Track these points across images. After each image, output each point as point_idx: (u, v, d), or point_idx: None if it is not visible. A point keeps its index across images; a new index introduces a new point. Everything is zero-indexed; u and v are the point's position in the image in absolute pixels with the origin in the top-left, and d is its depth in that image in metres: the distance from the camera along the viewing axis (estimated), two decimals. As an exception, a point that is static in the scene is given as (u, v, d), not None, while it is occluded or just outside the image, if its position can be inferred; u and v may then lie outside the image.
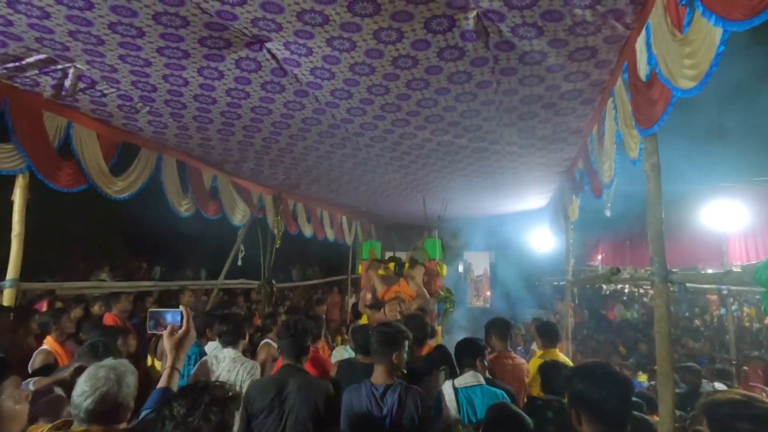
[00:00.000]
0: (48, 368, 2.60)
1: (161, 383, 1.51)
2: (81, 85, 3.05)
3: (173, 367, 1.52)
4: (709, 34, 1.46)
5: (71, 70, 2.85)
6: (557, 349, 3.59)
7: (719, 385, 4.27)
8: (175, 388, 1.51)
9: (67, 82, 2.96)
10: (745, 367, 5.00)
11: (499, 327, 3.42)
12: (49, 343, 3.16)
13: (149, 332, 1.65)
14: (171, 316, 1.58)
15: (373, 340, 2.34)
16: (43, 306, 4.46)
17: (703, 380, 4.32)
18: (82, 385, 1.47)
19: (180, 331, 1.55)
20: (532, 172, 5.29)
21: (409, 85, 3.01)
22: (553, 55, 2.60)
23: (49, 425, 1.60)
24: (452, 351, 2.85)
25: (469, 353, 2.64)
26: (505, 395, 2.45)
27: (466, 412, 2.40)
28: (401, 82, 2.97)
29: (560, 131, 3.87)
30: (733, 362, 4.91)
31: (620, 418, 1.33)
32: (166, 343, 1.53)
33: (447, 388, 2.51)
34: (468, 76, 2.87)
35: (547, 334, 3.51)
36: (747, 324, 9.80)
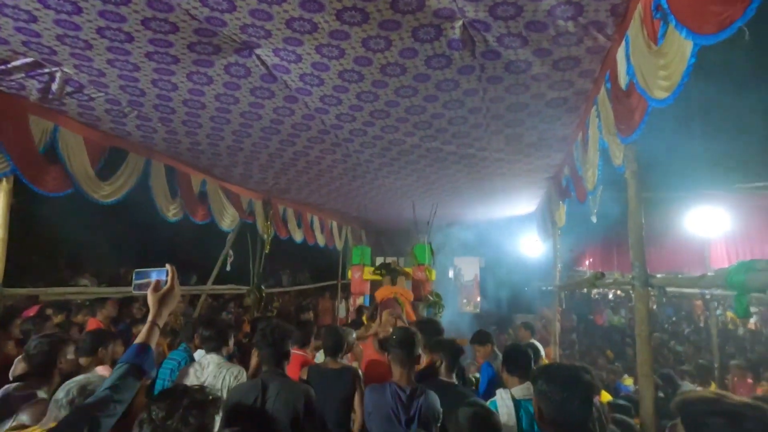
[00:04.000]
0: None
1: (139, 339, 1.42)
2: (68, 89, 3.04)
3: (153, 323, 1.45)
4: (681, 46, 1.52)
5: (58, 74, 2.84)
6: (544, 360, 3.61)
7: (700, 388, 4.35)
8: (153, 345, 1.43)
9: (54, 86, 2.95)
10: (735, 378, 5.08)
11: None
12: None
13: (133, 292, 1.57)
14: (156, 273, 1.53)
15: (394, 343, 2.41)
16: (32, 312, 4.39)
17: (686, 382, 4.39)
18: (69, 383, 1.52)
19: (165, 287, 1.50)
20: (519, 178, 5.36)
21: (398, 92, 3.05)
22: (538, 65, 2.66)
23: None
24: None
25: (525, 365, 2.50)
26: None
27: (525, 424, 2.32)
28: (390, 89, 3.00)
29: (546, 138, 3.94)
30: (716, 365, 5.00)
31: (580, 419, 1.39)
32: (150, 299, 1.48)
33: (504, 400, 2.42)
34: (455, 84, 2.92)
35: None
36: (731, 327, 9.98)
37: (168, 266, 1.54)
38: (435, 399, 2.34)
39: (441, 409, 2.32)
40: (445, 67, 2.70)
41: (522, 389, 2.41)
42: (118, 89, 3.04)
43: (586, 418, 1.39)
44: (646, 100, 1.82)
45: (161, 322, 1.47)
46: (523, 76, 2.81)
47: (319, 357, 3.79)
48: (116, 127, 3.70)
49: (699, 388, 4.28)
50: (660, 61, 1.71)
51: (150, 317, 1.46)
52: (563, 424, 1.37)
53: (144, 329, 1.44)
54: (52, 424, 1.60)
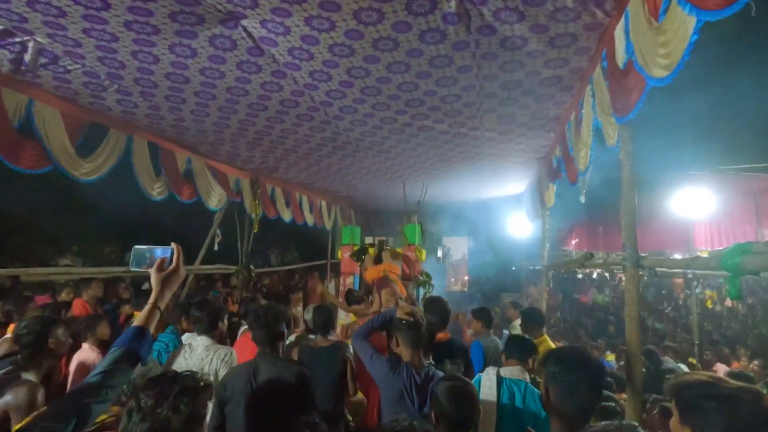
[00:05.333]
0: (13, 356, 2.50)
1: (138, 321, 1.33)
2: (42, 60, 2.87)
3: (155, 305, 1.36)
4: (683, 23, 1.48)
5: (31, 44, 2.68)
6: (545, 336, 3.71)
7: (683, 366, 4.50)
8: (152, 329, 1.35)
9: (27, 57, 2.78)
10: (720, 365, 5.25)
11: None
12: (12, 332, 3.04)
13: (131, 269, 1.47)
14: (161, 251, 1.44)
15: (405, 326, 2.36)
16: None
17: (667, 358, 4.54)
18: None
19: (170, 268, 1.41)
20: (510, 159, 5.34)
21: (390, 68, 2.96)
22: (534, 41, 2.59)
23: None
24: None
25: (524, 350, 2.58)
26: None
27: (505, 402, 2.35)
28: (382, 65, 2.91)
29: (539, 118, 3.90)
30: (695, 342, 5.16)
31: (588, 403, 1.38)
32: (153, 278, 1.39)
33: (489, 375, 2.46)
34: (449, 60, 2.84)
35: (531, 321, 3.61)
36: (710, 306, 10.33)
37: (173, 245, 1.44)
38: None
39: None
40: (439, 43, 2.62)
41: (513, 370, 2.45)
42: (96, 61, 2.89)
43: (593, 404, 1.38)
44: (644, 78, 1.79)
45: (163, 305, 1.39)
46: (519, 53, 2.74)
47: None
48: (95, 101, 3.54)
49: (682, 365, 4.43)
50: (660, 38, 1.67)
51: (151, 299, 1.37)
52: (570, 410, 1.35)
53: (143, 312, 1.35)
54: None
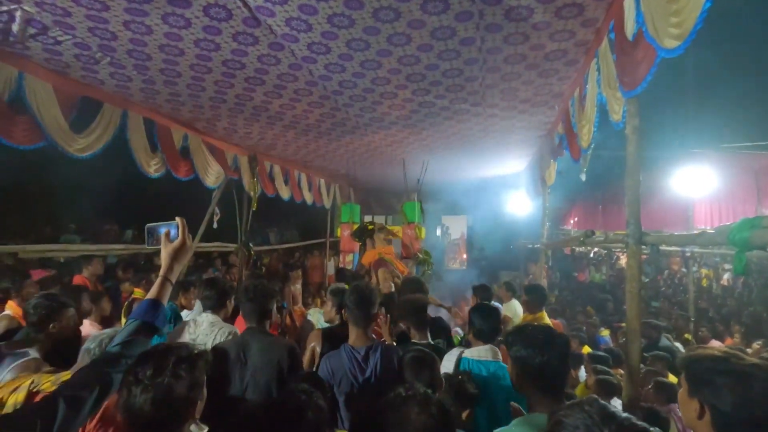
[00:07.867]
0: (13, 333, 2.52)
1: (150, 294, 1.38)
2: (31, 31, 2.77)
3: (165, 278, 1.42)
4: (699, -11, 1.42)
5: (18, 13, 2.58)
6: (543, 312, 3.75)
7: (679, 345, 4.56)
8: (165, 301, 1.41)
9: (15, 27, 2.68)
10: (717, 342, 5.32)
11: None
12: (11, 308, 3.06)
13: (147, 246, 1.54)
14: (167, 227, 1.51)
15: (348, 302, 2.31)
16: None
17: (663, 336, 4.59)
18: (101, 334, 1.72)
19: (176, 242, 1.46)
20: (512, 136, 5.27)
21: (390, 41, 2.87)
22: (540, 12, 2.51)
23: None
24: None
25: (495, 327, 2.39)
26: None
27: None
28: (382, 37, 2.82)
29: (542, 94, 3.83)
30: (692, 320, 5.22)
31: (562, 375, 1.43)
32: (163, 253, 1.45)
33: (452, 355, 2.38)
34: (452, 32, 2.75)
35: (534, 296, 3.67)
36: (705, 284, 10.43)
37: (178, 219, 1.49)
38: (392, 352, 2.25)
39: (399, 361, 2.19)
40: (441, 13, 2.53)
41: (479, 350, 2.36)
42: (87, 32, 2.79)
43: (566, 373, 1.46)
44: (654, 49, 1.73)
45: (173, 278, 1.45)
46: (524, 24, 2.66)
47: (312, 316, 3.79)
48: (88, 74, 3.45)
49: (678, 344, 4.48)
50: (672, 7, 1.61)
51: (161, 272, 1.43)
52: (546, 385, 1.39)
53: (155, 285, 1.42)
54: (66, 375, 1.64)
